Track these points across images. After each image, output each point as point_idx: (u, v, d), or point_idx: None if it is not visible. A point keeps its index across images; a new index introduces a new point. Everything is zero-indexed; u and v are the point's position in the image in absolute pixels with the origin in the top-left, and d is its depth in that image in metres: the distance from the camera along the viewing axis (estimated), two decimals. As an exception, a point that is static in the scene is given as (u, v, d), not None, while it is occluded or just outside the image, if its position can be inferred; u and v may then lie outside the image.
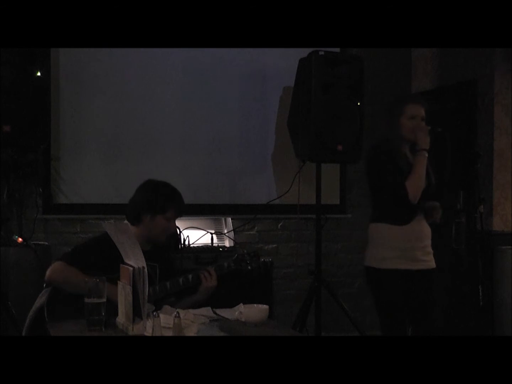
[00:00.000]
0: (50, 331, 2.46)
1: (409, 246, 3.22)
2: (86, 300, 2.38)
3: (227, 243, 4.69)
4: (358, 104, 4.27)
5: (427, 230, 3.31)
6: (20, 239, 4.20)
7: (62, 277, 2.76)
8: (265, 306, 2.60)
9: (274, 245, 5.17)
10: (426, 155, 3.19)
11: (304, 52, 4.22)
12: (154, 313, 2.29)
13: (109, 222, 2.94)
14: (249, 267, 2.96)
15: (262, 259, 2.95)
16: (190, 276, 2.86)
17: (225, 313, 2.74)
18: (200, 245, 4.50)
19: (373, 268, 3.28)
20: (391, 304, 3.24)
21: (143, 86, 4.81)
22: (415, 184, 3.16)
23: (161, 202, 2.89)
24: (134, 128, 4.80)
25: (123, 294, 2.42)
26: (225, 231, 4.79)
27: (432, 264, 3.31)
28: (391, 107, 3.38)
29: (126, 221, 2.93)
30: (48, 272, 2.80)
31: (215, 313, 2.75)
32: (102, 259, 2.75)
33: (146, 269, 2.37)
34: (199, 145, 4.96)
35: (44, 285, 2.88)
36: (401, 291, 3.22)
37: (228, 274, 2.96)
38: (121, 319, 2.45)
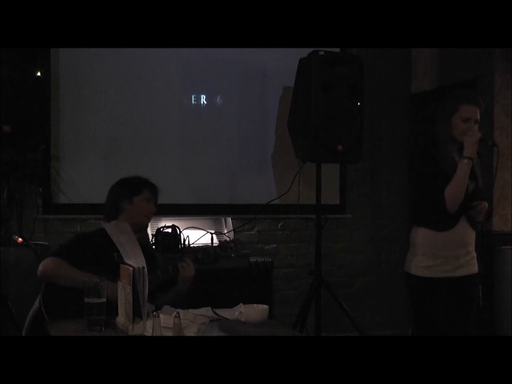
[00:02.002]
0: (50, 331, 2.46)
1: (452, 254, 3.11)
2: (86, 300, 2.38)
3: (227, 243, 4.69)
4: (358, 104, 4.27)
5: (471, 234, 3.18)
6: (20, 239, 4.19)
7: (53, 272, 2.78)
8: (265, 306, 2.60)
9: (274, 245, 5.17)
10: (471, 164, 3.04)
11: (304, 52, 4.22)
12: (154, 313, 2.29)
13: (109, 222, 2.94)
14: (233, 255, 3.01)
15: (262, 259, 2.95)
16: (170, 268, 2.87)
17: (225, 313, 2.74)
18: (200, 245, 4.50)
19: (414, 275, 3.16)
20: (432, 312, 3.13)
21: (143, 86, 4.81)
22: (453, 194, 3.03)
23: (134, 185, 3.04)
24: (134, 128, 4.80)
25: (123, 294, 2.42)
26: (225, 231, 4.79)
27: (474, 268, 3.19)
28: (444, 105, 3.19)
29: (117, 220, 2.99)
30: (39, 268, 2.81)
31: (215, 313, 2.75)
32: (92, 252, 2.81)
33: (146, 269, 2.37)
34: (199, 145, 4.96)
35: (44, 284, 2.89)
36: (443, 298, 3.12)
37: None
38: (121, 319, 2.45)
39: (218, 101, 5.01)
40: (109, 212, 3.03)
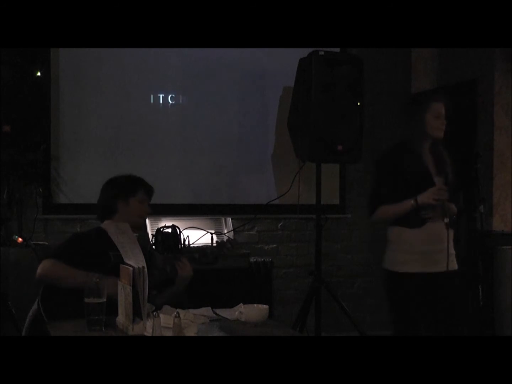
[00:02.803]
0: (50, 331, 2.46)
1: (428, 249, 3.16)
2: (86, 300, 2.38)
3: (227, 243, 4.69)
4: (358, 104, 4.27)
5: (444, 231, 3.20)
6: (20, 239, 4.20)
7: (52, 274, 2.76)
8: (265, 306, 2.60)
9: (274, 245, 5.17)
10: (415, 205, 3.13)
11: (304, 52, 4.22)
12: (154, 313, 2.29)
13: (109, 222, 2.94)
14: (229, 254, 3.01)
15: (262, 259, 2.95)
16: (168, 268, 2.87)
17: (225, 313, 2.74)
18: (200, 245, 4.49)
19: (392, 271, 3.22)
20: (407, 307, 3.17)
21: (143, 86, 4.81)
22: (383, 216, 3.24)
23: (129, 185, 3.01)
24: (134, 128, 4.80)
25: (123, 294, 2.42)
26: (225, 231, 4.79)
27: (453, 265, 3.23)
28: (414, 104, 3.36)
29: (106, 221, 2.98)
30: (38, 270, 2.79)
31: (215, 313, 2.75)
32: (90, 252, 2.78)
33: (146, 269, 2.37)
34: (199, 145, 4.96)
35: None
36: (419, 294, 3.16)
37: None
38: (121, 319, 2.45)
39: (218, 101, 5.01)
40: (103, 212, 3.02)
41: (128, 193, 2.98)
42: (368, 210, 3.29)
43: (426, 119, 3.20)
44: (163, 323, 2.28)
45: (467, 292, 4.37)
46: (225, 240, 3.03)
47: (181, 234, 4.34)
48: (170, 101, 4.91)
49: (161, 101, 4.88)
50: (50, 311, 2.73)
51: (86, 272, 2.62)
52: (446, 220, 3.19)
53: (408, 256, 3.17)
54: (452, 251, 3.27)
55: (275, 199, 4.85)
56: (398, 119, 5.49)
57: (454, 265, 3.26)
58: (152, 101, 4.85)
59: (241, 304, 2.68)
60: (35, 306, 2.85)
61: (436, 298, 3.22)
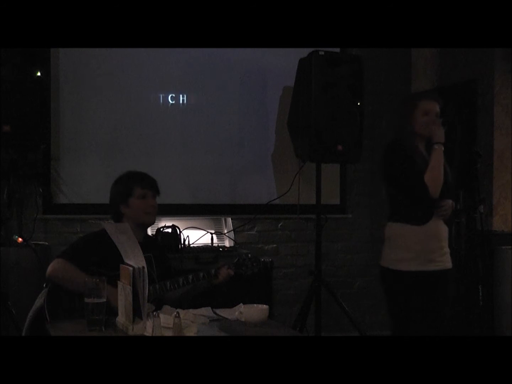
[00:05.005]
0: (50, 331, 2.46)
1: (426, 247, 3.16)
2: (86, 300, 2.38)
3: (227, 243, 4.69)
4: (358, 104, 4.27)
5: (444, 230, 3.24)
6: (20, 239, 4.20)
7: (62, 275, 2.77)
8: (265, 306, 2.60)
9: (274, 245, 5.17)
10: (443, 148, 3.12)
11: (304, 52, 4.22)
12: (154, 313, 2.29)
13: (109, 222, 2.95)
14: (249, 272, 2.91)
15: (262, 259, 2.94)
16: (190, 277, 2.84)
17: (225, 313, 2.74)
18: (200, 245, 4.50)
19: (388, 269, 3.22)
20: (405, 306, 3.17)
21: (143, 86, 4.81)
22: (435, 178, 3.09)
23: (124, 188, 2.97)
24: (134, 128, 4.80)
25: (123, 294, 2.42)
26: (225, 231, 4.79)
27: (448, 264, 3.25)
28: (404, 103, 3.35)
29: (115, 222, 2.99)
30: (49, 269, 2.80)
31: (215, 313, 2.75)
32: (102, 255, 2.77)
33: (146, 269, 2.37)
34: (199, 145, 4.96)
35: (44, 284, 2.89)
36: (416, 292, 3.15)
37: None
38: (121, 319, 2.45)
39: (218, 101, 5.01)
40: (114, 217, 3.01)
41: (125, 196, 2.94)
42: (422, 190, 3.09)
43: (414, 116, 3.19)
44: (163, 323, 2.28)
45: (467, 292, 4.37)
46: (246, 258, 2.95)
47: (181, 234, 4.35)
48: (170, 101, 4.91)
49: (161, 101, 4.87)
50: (54, 311, 2.73)
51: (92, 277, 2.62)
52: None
53: (404, 254, 3.17)
54: (448, 249, 3.28)
55: (275, 199, 4.85)
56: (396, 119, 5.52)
57: (449, 265, 3.27)
58: (152, 101, 4.85)
59: (241, 304, 2.68)
60: (35, 306, 2.85)
61: (431, 296, 3.21)
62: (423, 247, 3.16)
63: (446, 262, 3.25)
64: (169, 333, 2.26)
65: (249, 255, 2.95)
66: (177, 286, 2.80)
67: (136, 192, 2.94)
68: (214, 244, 4.54)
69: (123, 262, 2.48)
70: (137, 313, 2.36)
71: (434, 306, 3.22)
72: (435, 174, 3.11)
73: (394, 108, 3.42)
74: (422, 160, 3.17)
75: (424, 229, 3.17)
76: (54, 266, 2.80)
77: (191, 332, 2.35)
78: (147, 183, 2.99)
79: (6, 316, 3.76)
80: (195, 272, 2.84)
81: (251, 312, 2.55)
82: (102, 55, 4.66)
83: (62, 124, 4.66)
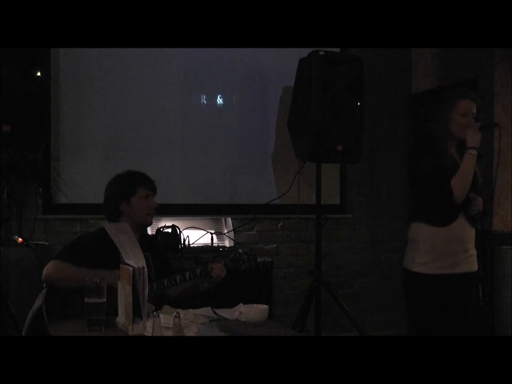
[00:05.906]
0: (50, 331, 2.46)
1: (450, 250, 3.09)
2: (86, 300, 2.38)
3: (227, 243, 4.69)
4: (358, 104, 4.27)
5: (469, 231, 3.16)
6: (20, 239, 4.19)
7: (59, 275, 2.77)
8: (265, 306, 2.60)
9: (274, 245, 5.17)
10: (476, 154, 3.04)
11: (304, 52, 4.22)
12: (154, 313, 2.29)
13: (109, 222, 2.94)
14: (245, 267, 2.89)
15: (262, 259, 2.94)
16: (187, 274, 2.84)
17: (225, 313, 2.74)
18: (200, 245, 4.50)
19: (412, 271, 3.15)
20: (427, 309, 3.11)
21: (143, 86, 4.81)
22: (462, 184, 3.02)
23: (128, 186, 2.96)
24: (134, 128, 4.80)
25: (123, 294, 2.42)
26: (225, 231, 4.80)
27: (473, 266, 3.17)
28: (442, 101, 3.23)
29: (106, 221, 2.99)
30: (44, 272, 2.80)
31: (215, 313, 2.75)
32: (97, 253, 2.78)
33: (146, 269, 2.37)
34: (199, 145, 4.96)
35: (44, 284, 2.89)
36: (438, 296, 3.09)
37: (227, 273, 2.93)
38: (121, 319, 2.45)
39: (218, 101, 5.01)
40: (110, 215, 2.99)
41: (129, 193, 2.94)
42: (447, 194, 3.03)
43: (451, 116, 3.10)
44: (163, 323, 2.28)
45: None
46: (243, 252, 2.94)
47: (181, 234, 4.35)
48: (170, 101, 4.90)
49: (160, 101, 4.87)
50: (52, 311, 2.73)
51: (89, 270, 2.63)
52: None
53: (428, 257, 3.11)
54: (474, 251, 3.20)
55: (275, 199, 4.85)
56: (398, 119, 5.52)
57: (475, 267, 3.19)
58: (152, 101, 4.85)
59: (241, 304, 2.68)
60: (35, 306, 2.85)
61: (455, 299, 3.14)
62: (447, 249, 3.10)
63: (471, 264, 3.17)
64: (169, 333, 2.26)
65: (245, 249, 2.94)
66: (174, 283, 2.80)
67: (140, 191, 2.95)
68: (214, 244, 4.54)
69: (119, 262, 2.49)
70: (137, 313, 2.36)
71: (457, 309, 3.15)
72: (463, 180, 3.03)
73: (436, 106, 3.24)
74: (452, 162, 3.10)
75: (449, 230, 3.10)
76: (48, 269, 2.79)
77: (191, 332, 2.35)
78: (151, 184, 3.01)
79: (6, 316, 3.76)
80: (192, 269, 2.84)
81: (251, 312, 2.55)
82: (102, 55, 4.66)
83: (62, 124, 4.66)
